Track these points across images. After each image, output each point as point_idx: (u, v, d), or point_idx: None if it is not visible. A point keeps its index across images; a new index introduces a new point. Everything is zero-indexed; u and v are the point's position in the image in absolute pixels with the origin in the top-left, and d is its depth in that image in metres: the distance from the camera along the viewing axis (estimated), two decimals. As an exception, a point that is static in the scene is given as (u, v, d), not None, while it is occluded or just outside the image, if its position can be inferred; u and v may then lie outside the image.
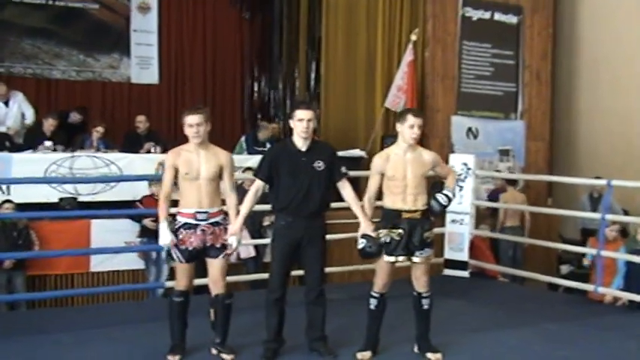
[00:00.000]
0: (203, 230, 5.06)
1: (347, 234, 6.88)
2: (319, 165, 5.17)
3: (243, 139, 10.43)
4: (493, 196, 10.20)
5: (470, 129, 11.26)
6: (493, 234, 9.24)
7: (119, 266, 8.32)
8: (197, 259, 5.16)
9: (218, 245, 5.11)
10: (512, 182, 10.11)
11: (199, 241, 5.07)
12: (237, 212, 5.18)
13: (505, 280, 8.72)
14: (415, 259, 5.24)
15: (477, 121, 11.35)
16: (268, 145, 9.99)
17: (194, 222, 5.05)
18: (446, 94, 11.10)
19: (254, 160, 9.38)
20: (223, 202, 5.24)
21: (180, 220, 5.08)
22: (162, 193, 5.14)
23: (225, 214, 5.21)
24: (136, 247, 8.31)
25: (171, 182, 5.08)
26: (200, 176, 5.05)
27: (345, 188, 5.28)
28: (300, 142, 5.17)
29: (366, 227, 5.16)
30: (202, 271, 5.32)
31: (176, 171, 5.06)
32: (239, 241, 5.18)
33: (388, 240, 5.18)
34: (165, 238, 5.03)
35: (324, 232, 5.32)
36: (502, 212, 9.70)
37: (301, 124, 5.10)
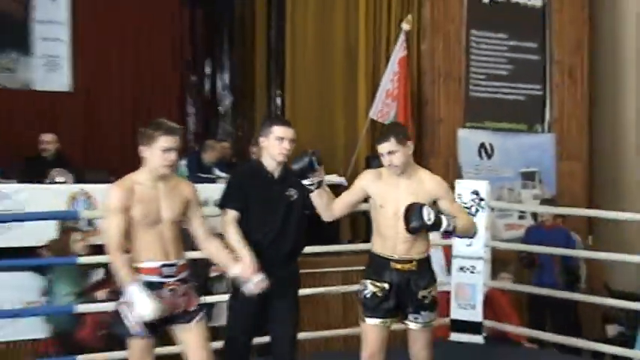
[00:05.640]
0: (172, 290, 4.91)
1: (323, 288, 6.86)
2: (291, 193, 5.38)
3: (183, 162, 10.40)
4: (533, 235, 10.15)
5: (482, 146, 11.37)
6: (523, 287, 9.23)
7: (18, 335, 8.18)
8: (158, 332, 4.98)
9: (191, 309, 4.98)
10: None
11: (168, 307, 4.87)
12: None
13: (533, 346, 8.71)
14: (410, 325, 5.29)
15: (491, 135, 11.47)
16: (216, 171, 10.13)
17: (159, 279, 4.88)
18: (450, 99, 11.23)
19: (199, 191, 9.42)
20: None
21: (140, 277, 4.85)
22: (112, 247, 4.85)
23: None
24: (41, 308, 8.14)
25: (121, 233, 4.85)
26: (162, 219, 4.92)
27: None
28: (273, 166, 5.35)
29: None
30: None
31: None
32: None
33: (369, 295, 5.24)
34: (146, 306, 4.70)
35: (298, 282, 5.57)
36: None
37: (280, 144, 5.28)
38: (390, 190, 5.24)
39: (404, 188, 5.23)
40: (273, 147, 5.27)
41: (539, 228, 10.25)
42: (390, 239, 5.21)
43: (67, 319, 7.80)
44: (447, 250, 8.98)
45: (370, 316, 5.22)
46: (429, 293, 5.25)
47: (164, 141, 4.83)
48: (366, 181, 5.32)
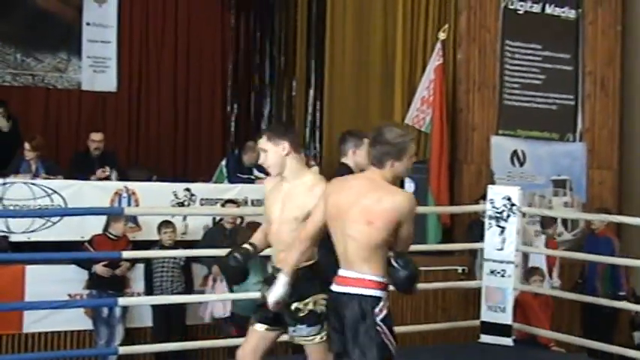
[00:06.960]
0: None
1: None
2: None
3: (223, 163, 10.51)
4: (587, 242, 10.27)
5: (515, 153, 11.26)
6: (552, 291, 9.17)
7: (60, 326, 8.23)
8: None
9: None
10: None
11: None
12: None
13: (561, 350, 8.66)
14: (295, 339, 4.89)
15: (523, 142, 11.35)
16: (256, 172, 10.06)
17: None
18: (484, 107, 11.14)
19: (237, 191, 9.54)
20: None
21: (384, 294, 4.49)
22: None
23: None
24: (82, 301, 8.22)
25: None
26: None
27: None
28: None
29: None
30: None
31: None
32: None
33: (259, 301, 5.06)
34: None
35: None
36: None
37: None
38: (271, 196, 4.95)
39: (281, 196, 4.87)
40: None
41: (592, 236, 10.37)
42: (274, 247, 4.95)
43: (250, 305, 8.01)
44: (552, 260, 9.20)
45: (254, 320, 4.96)
46: (305, 306, 4.77)
47: (413, 147, 4.66)
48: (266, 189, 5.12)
